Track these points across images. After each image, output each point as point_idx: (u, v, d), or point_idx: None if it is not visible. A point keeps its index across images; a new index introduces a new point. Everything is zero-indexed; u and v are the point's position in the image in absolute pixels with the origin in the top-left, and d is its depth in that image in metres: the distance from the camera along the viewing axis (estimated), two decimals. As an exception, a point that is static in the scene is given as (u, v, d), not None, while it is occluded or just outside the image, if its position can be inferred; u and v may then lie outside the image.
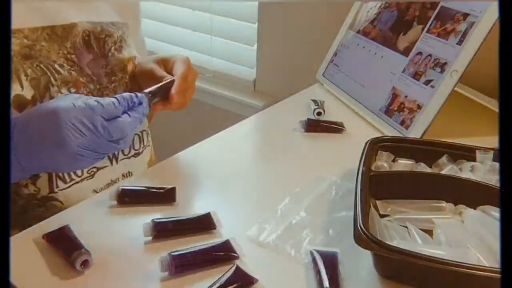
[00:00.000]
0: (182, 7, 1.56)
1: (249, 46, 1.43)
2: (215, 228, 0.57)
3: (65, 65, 0.65)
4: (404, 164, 0.66)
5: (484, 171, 0.63)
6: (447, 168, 0.64)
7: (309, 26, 1.27)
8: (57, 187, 0.66)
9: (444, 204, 0.59)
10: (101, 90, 0.70)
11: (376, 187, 0.58)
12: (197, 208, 0.61)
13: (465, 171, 0.63)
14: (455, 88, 0.75)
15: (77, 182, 0.68)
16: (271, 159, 0.76)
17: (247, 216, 0.61)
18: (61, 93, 0.64)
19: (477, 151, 0.64)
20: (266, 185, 0.69)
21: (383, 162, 0.65)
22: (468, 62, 0.74)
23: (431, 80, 0.78)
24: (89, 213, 0.60)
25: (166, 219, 0.57)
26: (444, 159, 0.65)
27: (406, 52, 0.85)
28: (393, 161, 0.67)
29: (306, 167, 0.72)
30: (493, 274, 0.44)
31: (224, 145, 0.79)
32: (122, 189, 0.61)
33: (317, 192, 0.65)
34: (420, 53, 0.82)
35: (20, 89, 0.58)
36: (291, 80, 1.36)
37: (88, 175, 0.70)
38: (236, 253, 0.52)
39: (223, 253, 0.52)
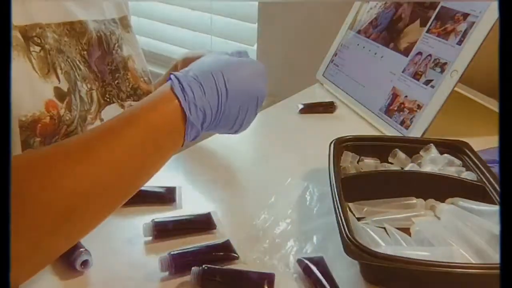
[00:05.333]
0: (182, 7, 1.56)
1: (249, 46, 1.44)
2: (215, 228, 0.57)
3: (80, 61, 0.66)
4: (368, 164, 0.66)
5: (443, 164, 0.64)
6: (408, 164, 0.66)
7: (309, 26, 1.27)
8: None
9: (414, 200, 0.59)
10: (104, 87, 0.70)
11: (347, 190, 0.57)
12: (197, 208, 0.61)
13: (425, 165, 0.64)
14: (455, 88, 0.75)
15: None
16: (271, 159, 0.76)
17: (247, 215, 0.61)
18: (83, 88, 0.64)
19: (432, 145, 0.66)
20: (266, 184, 0.69)
21: (348, 163, 0.65)
22: (468, 62, 0.74)
23: (431, 80, 0.78)
24: (89, 213, 0.60)
25: (166, 219, 0.57)
26: (400, 154, 0.66)
27: (406, 52, 0.85)
28: (358, 161, 0.67)
29: (307, 169, 0.72)
30: (484, 271, 0.45)
31: (224, 145, 0.79)
32: (122, 189, 0.61)
33: (294, 198, 0.64)
34: (420, 53, 0.82)
35: (57, 81, 0.58)
36: (291, 80, 1.36)
37: None
38: (236, 253, 0.52)
39: (223, 253, 0.52)
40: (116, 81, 0.72)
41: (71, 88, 0.61)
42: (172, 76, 0.50)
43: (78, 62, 0.65)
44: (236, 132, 0.56)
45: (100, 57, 0.70)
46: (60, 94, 0.58)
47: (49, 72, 0.57)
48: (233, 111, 0.52)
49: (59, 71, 0.59)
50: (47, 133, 0.56)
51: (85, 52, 0.67)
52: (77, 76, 0.63)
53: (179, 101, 0.47)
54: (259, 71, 0.57)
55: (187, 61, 0.77)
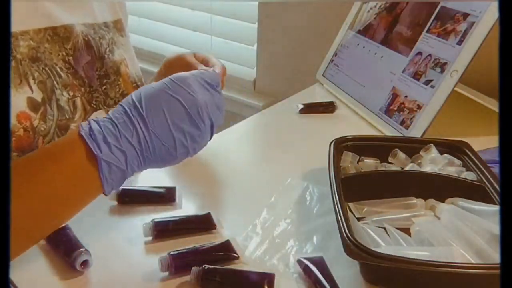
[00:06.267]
0: (182, 7, 1.56)
1: (249, 46, 1.44)
2: (215, 228, 0.57)
3: (63, 68, 0.65)
4: (368, 164, 0.66)
5: (443, 164, 0.64)
6: (409, 164, 0.66)
7: (309, 26, 1.27)
8: None
9: (414, 200, 0.60)
10: (91, 93, 0.69)
11: (347, 190, 0.57)
12: (197, 208, 0.61)
13: (425, 165, 0.64)
14: (455, 88, 0.75)
15: None
16: (271, 159, 0.76)
17: (247, 216, 0.61)
18: (63, 96, 0.64)
19: (432, 145, 0.66)
20: (266, 184, 0.69)
21: (348, 163, 0.65)
22: (468, 62, 0.74)
23: (431, 80, 0.78)
24: (89, 213, 0.60)
25: (166, 219, 0.57)
26: (400, 154, 0.66)
27: (406, 52, 0.85)
28: (358, 161, 0.67)
29: (307, 169, 0.72)
30: (484, 271, 0.45)
31: (224, 145, 0.79)
32: (122, 189, 0.61)
33: (293, 199, 0.64)
34: (420, 53, 0.82)
35: (30, 92, 0.58)
36: (291, 80, 1.36)
37: None
38: (236, 253, 0.52)
39: (223, 253, 0.52)
40: (104, 87, 0.71)
41: (46, 98, 0.60)
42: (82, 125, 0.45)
43: (58, 69, 0.64)
44: (194, 150, 0.50)
45: (90, 62, 0.69)
46: (33, 105, 0.58)
47: (21, 83, 0.57)
48: (163, 131, 0.46)
49: (31, 81, 0.58)
50: (23, 147, 0.55)
51: (70, 58, 0.66)
52: (56, 84, 0.62)
53: (86, 142, 0.43)
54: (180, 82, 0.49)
55: (167, 64, 0.76)
